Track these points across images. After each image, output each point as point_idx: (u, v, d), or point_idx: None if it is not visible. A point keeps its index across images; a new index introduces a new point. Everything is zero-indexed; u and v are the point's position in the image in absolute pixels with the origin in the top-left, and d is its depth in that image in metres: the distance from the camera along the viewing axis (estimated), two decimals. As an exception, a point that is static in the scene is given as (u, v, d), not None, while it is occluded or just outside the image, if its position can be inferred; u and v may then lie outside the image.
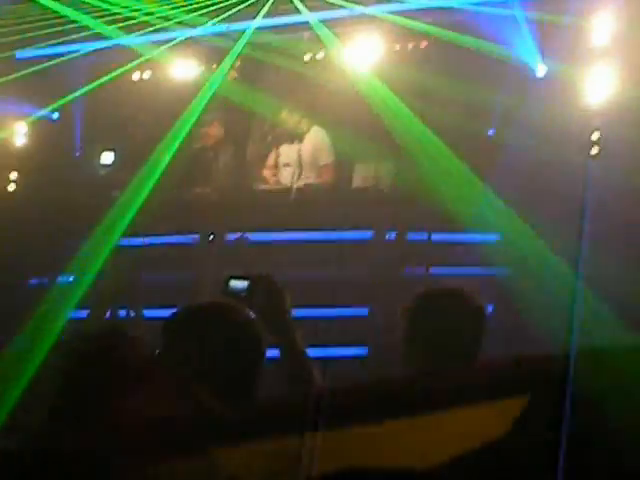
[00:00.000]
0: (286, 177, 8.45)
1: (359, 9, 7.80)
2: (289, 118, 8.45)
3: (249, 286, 3.02)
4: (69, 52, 9.35)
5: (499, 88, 7.02)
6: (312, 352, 3.04)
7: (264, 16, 8.41)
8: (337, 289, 6.74)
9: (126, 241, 7.81)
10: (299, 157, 8.44)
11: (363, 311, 6.79)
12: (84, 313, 7.50)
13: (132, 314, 7.54)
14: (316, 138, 8.50)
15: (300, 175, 8.39)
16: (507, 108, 6.96)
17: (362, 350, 6.50)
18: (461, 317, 3.29)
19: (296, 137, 8.51)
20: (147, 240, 7.80)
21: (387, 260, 6.91)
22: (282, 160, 8.55)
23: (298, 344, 3.03)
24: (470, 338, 3.30)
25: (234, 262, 7.47)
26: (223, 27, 8.70)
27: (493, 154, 6.86)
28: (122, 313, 7.60)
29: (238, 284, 3.05)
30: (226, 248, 7.73)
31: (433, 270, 6.54)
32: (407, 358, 3.32)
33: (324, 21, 8.08)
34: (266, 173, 8.64)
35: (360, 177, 7.66)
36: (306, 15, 8.18)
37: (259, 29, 8.54)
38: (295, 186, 8.21)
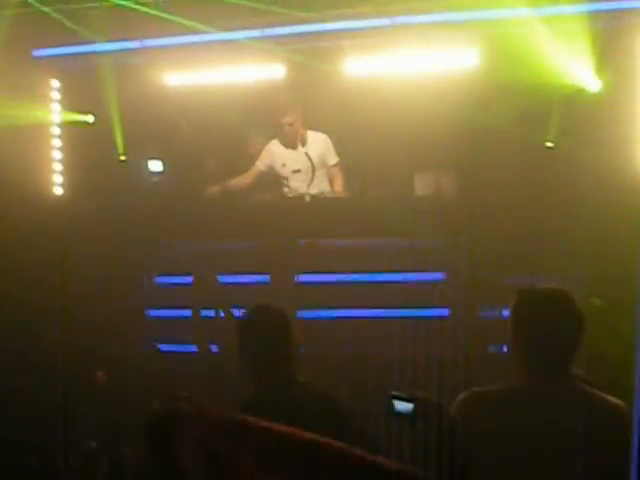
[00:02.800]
0: (299, 184, 8.85)
1: (402, 18, 8.27)
2: (295, 122, 8.81)
3: (414, 410, 3.10)
4: (93, 51, 9.56)
5: (556, 99, 7.61)
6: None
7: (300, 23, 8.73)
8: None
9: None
10: (309, 161, 8.78)
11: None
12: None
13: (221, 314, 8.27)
14: (318, 140, 8.86)
15: (312, 180, 8.79)
16: (564, 120, 7.65)
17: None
18: (569, 320, 3.48)
19: (297, 140, 8.87)
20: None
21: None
22: (290, 167, 8.91)
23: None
24: (576, 341, 3.50)
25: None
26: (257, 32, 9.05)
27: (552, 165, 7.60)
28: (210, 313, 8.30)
29: (402, 406, 3.13)
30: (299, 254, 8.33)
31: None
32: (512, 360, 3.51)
33: (368, 29, 8.46)
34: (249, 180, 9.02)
35: (422, 185, 8.28)
36: (347, 23, 8.55)
37: (294, 35, 8.85)
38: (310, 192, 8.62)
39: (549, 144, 7.86)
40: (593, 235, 7.02)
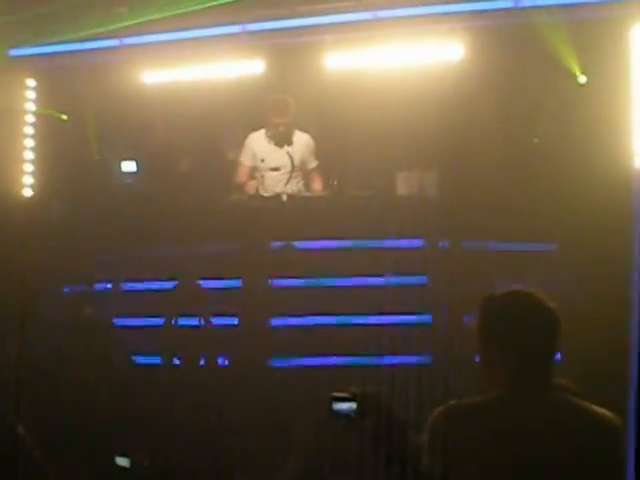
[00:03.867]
0: (274, 182, 8.76)
1: (399, 10, 8.08)
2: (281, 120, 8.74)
3: (357, 408, 3.03)
4: (70, 51, 9.47)
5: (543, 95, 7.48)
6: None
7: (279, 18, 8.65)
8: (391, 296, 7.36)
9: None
10: (290, 160, 8.75)
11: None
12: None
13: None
14: (302, 142, 8.79)
15: (289, 180, 8.74)
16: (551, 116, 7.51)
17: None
18: (542, 316, 3.26)
19: (285, 140, 8.81)
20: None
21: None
22: (268, 164, 8.83)
23: (414, 453, 3.07)
24: (551, 339, 3.27)
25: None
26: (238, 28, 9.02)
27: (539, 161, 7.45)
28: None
29: (344, 406, 3.05)
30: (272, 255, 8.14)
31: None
32: (485, 358, 3.31)
33: (349, 24, 8.34)
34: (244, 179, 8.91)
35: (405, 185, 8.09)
36: (328, 18, 8.41)
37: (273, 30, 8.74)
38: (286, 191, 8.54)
39: (535, 140, 7.71)
40: (581, 234, 6.87)
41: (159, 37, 9.21)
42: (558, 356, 3.32)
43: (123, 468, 7.17)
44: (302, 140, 8.80)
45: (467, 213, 7.32)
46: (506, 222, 7.28)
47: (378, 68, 8.37)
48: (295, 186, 8.73)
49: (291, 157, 8.73)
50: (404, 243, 7.55)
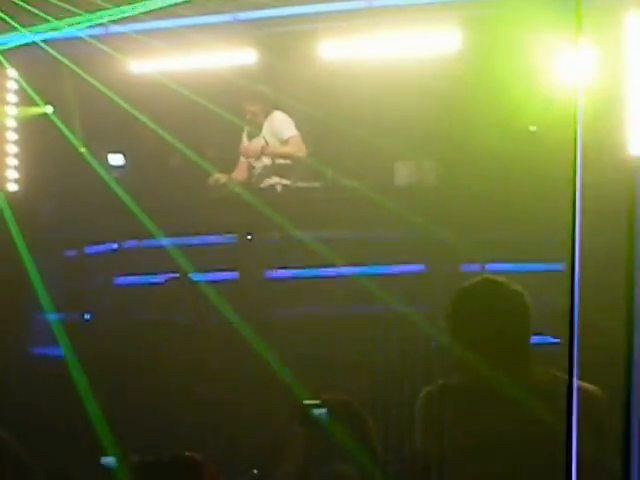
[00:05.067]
0: (265, 172, 9.06)
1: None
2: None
3: (328, 413, 3.21)
4: (52, 39, 9.50)
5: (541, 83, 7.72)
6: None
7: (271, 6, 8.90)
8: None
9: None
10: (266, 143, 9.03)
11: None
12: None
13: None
14: (271, 120, 9.03)
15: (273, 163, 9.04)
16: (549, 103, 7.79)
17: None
18: (515, 300, 3.55)
19: (258, 128, 9.09)
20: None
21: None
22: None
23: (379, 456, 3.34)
24: (526, 321, 3.56)
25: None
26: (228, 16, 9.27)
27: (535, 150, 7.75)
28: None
29: (315, 413, 3.22)
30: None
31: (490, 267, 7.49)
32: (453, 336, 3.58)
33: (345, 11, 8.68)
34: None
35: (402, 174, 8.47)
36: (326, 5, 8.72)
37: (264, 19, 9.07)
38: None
39: (532, 128, 8.00)
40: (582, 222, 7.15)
41: (147, 25, 9.41)
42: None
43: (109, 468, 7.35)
44: (272, 118, 9.10)
45: (465, 202, 7.59)
46: (503, 211, 7.53)
47: (373, 57, 8.77)
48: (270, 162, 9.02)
49: (265, 139, 9.07)
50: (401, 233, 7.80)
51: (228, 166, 9.31)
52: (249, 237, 8.59)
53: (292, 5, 8.81)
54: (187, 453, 3.46)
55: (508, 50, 7.75)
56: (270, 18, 9.05)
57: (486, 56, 7.97)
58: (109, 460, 6.99)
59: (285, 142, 9.03)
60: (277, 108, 9.13)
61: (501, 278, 3.64)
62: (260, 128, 9.10)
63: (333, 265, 8.05)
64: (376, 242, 8.06)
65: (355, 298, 7.93)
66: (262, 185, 9.04)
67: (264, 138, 9.08)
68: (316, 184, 9.00)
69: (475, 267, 7.53)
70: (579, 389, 3.33)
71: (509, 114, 7.88)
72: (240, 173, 9.25)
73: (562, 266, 7.55)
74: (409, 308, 7.28)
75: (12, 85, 10.12)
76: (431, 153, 8.36)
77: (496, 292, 3.60)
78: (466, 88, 7.97)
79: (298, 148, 9.01)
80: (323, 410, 3.19)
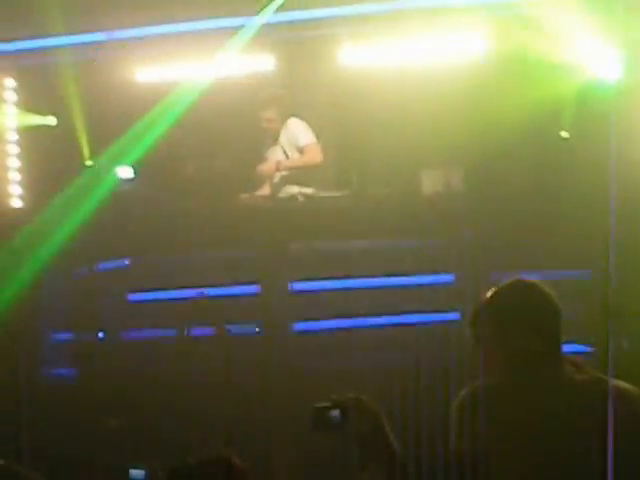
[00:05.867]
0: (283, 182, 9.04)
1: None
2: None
3: (342, 415, 3.18)
4: (53, 46, 9.53)
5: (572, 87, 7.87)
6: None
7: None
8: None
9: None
10: (283, 152, 9.05)
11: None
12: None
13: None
14: (287, 127, 9.02)
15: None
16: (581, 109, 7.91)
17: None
18: (550, 300, 3.66)
19: (275, 135, 9.10)
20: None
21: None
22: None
23: (398, 462, 3.31)
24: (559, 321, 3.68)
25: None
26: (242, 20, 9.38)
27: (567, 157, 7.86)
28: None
29: (329, 414, 3.20)
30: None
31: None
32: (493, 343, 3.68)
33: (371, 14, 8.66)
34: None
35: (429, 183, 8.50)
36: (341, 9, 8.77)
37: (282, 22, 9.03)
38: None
39: (564, 134, 8.04)
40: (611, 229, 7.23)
41: (154, 30, 9.45)
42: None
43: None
44: (287, 125, 9.16)
45: (493, 210, 7.62)
46: (533, 220, 7.58)
47: (397, 62, 8.83)
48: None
49: (282, 147, 9.12)
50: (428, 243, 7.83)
51: (243, 176, 9.31)
52: (270, 250, 8.57)
53: (311, 8, 8.80)
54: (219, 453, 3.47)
55: (539, 53, 7.78)
56: (288, 22, 9.05)
57: (515, 60, 7.98)
58: (137, 473, 6.98)
59: (301, 149, 9.09)
60: (296, 115, 9.19)
61: (532, 280, 3.76)
62: (277, 135, 9.18)
63: (359, 276, 8.07)
64: (403, 251, 8.06)
65: (381, 308, 7.95)
66: (282, 194, 9.09)
67: (281, 147, 9.15)
68: (339, 193, 9.06)
69: (504, 276, 7.55)
70: (615, 388, 3.57)
71: (541, 120, 7.92)
72: (264, 190, 9.32)
73: (588, 274, 7.63)
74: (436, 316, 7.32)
75: (11, 95, 10.05)
76: (459, 160, 8.37)
77: (528, 292, 3.72)
78: (495, 93, 7.99)
79: (313, 156, 9.06)
80: (336, 411, 3.22)
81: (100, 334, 9.00)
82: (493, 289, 3.76)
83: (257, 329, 8.34)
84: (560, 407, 3.55)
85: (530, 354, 3.63)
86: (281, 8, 8.84)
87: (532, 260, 7.48)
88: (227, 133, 9.35)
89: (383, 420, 3.30)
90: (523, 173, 8.04)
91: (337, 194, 9.00)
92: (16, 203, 9.76)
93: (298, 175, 9.06)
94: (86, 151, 9.84)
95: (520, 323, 3.67)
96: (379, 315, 7.96)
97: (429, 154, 8.46)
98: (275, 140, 9.18)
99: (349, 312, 8.06)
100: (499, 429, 3.51)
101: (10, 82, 9.98)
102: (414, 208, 8.09)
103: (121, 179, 9.76)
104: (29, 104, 9.91)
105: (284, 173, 9.10)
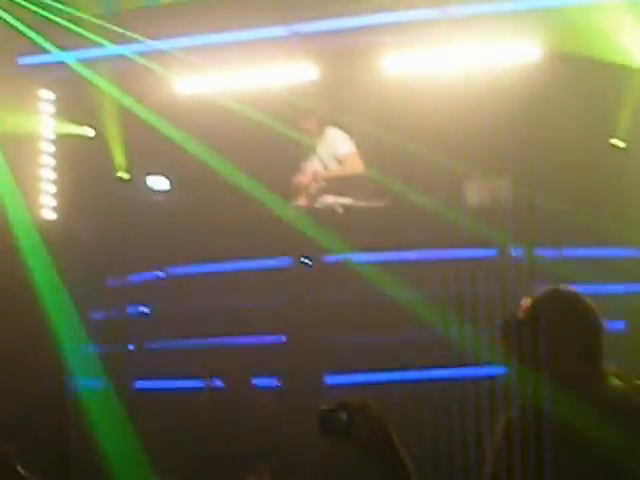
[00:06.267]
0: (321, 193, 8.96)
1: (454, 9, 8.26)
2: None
3: (348, 420, 3.11)
4: (92, 57, 9.47)
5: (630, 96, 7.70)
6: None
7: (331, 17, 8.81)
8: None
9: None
10: (321, 162, 9.00)
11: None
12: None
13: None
14: (326, 137, 8.99)
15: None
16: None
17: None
18: (594, 309, 3.58)
19: (313, 146, 9.07)
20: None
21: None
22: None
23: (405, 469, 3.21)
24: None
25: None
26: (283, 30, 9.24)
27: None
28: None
29: (336, 417, 3.13)
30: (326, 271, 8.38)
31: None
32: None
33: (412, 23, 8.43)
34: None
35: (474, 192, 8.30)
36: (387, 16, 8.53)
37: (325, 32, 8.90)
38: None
39: (619, 143, 7.84)
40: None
41: (194, 40, 9.33)
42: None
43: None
44: (327, 137, 9.10)
45: (543, 222, 7.41)
46: (586, 232, 7.37)
47: (443, 70, 8.66)
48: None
49: (322, 161, 9.04)
50: (474, 253, 7.61)
51: (282, 187, 9.14)
52: (306, 261, 8.38)
53: (352, 16, 8.68)
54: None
55: (593, 59, 7.61)
56: (330, 30, 8.92)
57: (568, 66, 7.81)
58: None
59: (340, 159, 8.99)
60: (337, 125, 9.07)
61: (571, 288, 3.65)
62: (315, 146, 9.08)
63: (398, 289, 7.84)
64: (445, 265, 7.82)
65: (419, 323, 7.71)
66: (319, 205, 8.94)
67: (319, 157, 9.03)
68: (379, 203, 8.86)
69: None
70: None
71: (595, 128, 7.74)
72: (300, 201, 9.18)
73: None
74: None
75: (49, 107, 9.98)
76: (507, 170, 8.15)
77: (572, 304, 3.61)
78: (546, 101, 7.80)
79: (352, 166, 8.95)
80: (343, 414, 3.12)
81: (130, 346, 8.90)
82: (531, 300, 3.59)
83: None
84: (608, 421, 3.39)
85: (575, 370, 3.53)
86: (323, 16, 8.78)
87: (584, 272, 7.30)
88: (265, 144, 9.23)
89: (390, 429, 3.16)
90: (575, 183, 7.82)
91: (376, 204, 8.83)
92: (50, 215, 9.67)
93: (336, 185, 8.93)
94: (122, 163, 9.84)
95: (566, 338, 3.55)
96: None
97: (474, 163, 8.25)
98: (312, 151, 9.09)
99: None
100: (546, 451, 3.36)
101: (48, 94, 9.94)
102: (458, 219, 7.87)
103: (156, 190, 9.77)
104: (67, 116, 9.86)
105: (321, 184, 8.97)
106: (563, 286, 3.66)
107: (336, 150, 8.97)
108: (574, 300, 3.61)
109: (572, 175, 7.70)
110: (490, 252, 7.72)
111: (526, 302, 3.61)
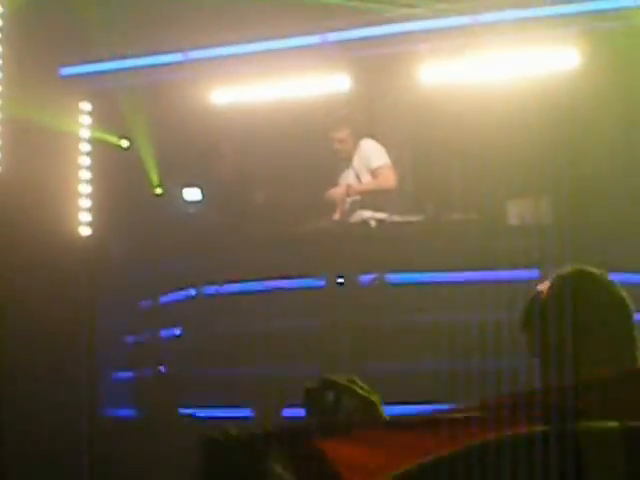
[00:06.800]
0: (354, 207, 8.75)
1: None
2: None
3: (335, 399, 3.11)
4: (130, 67, 9.46)
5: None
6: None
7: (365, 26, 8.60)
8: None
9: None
10: (357, 178, 8.79)
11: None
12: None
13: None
14: (361, 147, 8.76)
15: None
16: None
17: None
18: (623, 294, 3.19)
19: (346, 157, 8.83)
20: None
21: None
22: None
23: None
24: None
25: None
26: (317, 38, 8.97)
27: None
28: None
29: (323, 396, 3.14)
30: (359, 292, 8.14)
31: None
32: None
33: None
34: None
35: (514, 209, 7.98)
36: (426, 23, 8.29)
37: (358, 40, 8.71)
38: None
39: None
40: None
41: (228, 50, 9.23)
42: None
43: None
44: (361, 148, 8.85)
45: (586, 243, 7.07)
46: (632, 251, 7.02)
47: (481, 79, 8.36)
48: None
49: (357, 174, 8.81)
50: (514, 274, 7.27)
51: (314, 200, 8.98)
52: (340, 280, 8.14)
53: (387, 24, 8.43)
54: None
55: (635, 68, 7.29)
56: (365, 38, 8.71)
57: (610, 75, 7.46)
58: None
59: (373, 172, 8.76)
60: (372, 135, 8.83)
61: (593, 269, 3.18)
62: (349, 157, 8.85)
63: (436, 311, 7.56)
64: (484, 284, 7.50)
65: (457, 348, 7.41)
66: (353, 219, 8.70)
67: (353, 169, 8.81)
68: (415, 218, 8.63)
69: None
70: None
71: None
72: (334, 216, 8.93)
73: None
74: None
75: (87, 119, 9.82)
76: (548, 188, 7.81)
77: (600, 280, 3.14)
78: (589, 112, 7.48)
79: (386, 179, 8.70)
80: (330, 393, 3.12)
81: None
82: (554, 282, 3.11)
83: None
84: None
85: (608, 354, 3.06)
86: (358, 25, 8.56)
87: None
88: (299, 155, 9.05)
89: (377, 407, 3.13)
90: (620, 203, 7.50)
91: (412, 219, 8.59)
92: (85, 231, 9.41)
93: (370, 199, 8.70)
94: (157, 176, 9.73)
95: (597, 322, 3.06)
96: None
97: (514, 178, 7.93)
98: (348, 163, 8.87)
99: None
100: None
101: (86, 106, 9.81)
102: (497, 237, 7.57)
103: (189, 202, 9.61)
104: (103, 127, 9.71)
105: (355, 197, 8.74)
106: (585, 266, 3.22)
107: (369, 162, 8.73)
108: (605, 279, 3.18)
109: (617, 194, 7.39)
110: (532, 273, 7.38)
111: (545, 284, 3.17)
